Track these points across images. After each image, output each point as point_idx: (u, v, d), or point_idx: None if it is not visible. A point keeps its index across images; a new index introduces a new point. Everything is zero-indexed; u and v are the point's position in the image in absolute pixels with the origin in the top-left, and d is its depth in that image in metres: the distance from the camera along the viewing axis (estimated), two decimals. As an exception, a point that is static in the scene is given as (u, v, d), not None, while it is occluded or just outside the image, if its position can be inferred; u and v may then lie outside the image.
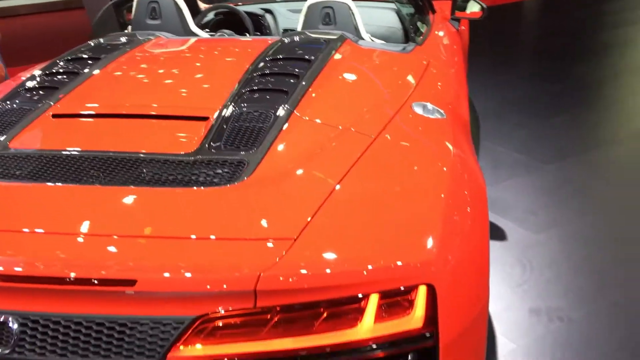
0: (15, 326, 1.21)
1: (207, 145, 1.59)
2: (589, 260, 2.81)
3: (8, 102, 1.89)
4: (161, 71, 2.12)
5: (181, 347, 1.18)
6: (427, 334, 1.23)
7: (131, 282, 1.17)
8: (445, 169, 1.55)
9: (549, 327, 2.40)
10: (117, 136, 1.68)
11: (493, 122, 4.52)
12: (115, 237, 1.27)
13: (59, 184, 1.45)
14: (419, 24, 3.21)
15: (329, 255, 1.23)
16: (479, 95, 5.08)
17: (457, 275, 1.31)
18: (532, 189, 3.52)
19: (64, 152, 1.59)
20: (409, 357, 1.24)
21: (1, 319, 1.21)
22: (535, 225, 3.12)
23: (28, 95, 1.93)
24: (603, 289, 2.61)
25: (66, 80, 2.00)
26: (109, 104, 1.86)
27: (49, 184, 1.45)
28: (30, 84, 2.00)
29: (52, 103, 1.85)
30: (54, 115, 1.80)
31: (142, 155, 1.56)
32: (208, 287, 1.17)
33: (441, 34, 2.98)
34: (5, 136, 1.70)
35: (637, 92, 5.17)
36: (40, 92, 1.93)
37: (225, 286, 1.17)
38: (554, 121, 4.53)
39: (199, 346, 1.19)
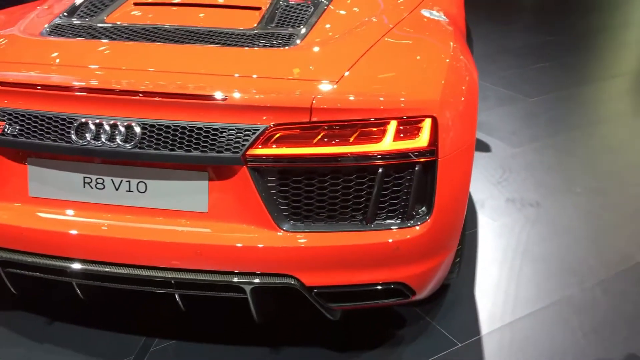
0: (138, 129, 1.69)
1: (262, 24, 2.04)
2: (559, 164, 3.37)
3: None
4: None
5: (256, 147, 1.67)
6: (430, 151, 1.73)
7: (224, 97, 1.65)
8: (451, 43, 2.03)
9: (522, 211, 2.93)
10: (190, 17, 2.13)
11: (488, 64, 4.99)
12: (210, 69, 1.77)
13: (157, 42, 1.91)
14: None
15: (363, 89, 1.73)
16: (477, 43, 5.47)
17: (453, 116, 1.80)
18: (515, 116, 4.02)
19: (152, 25, 2.04)
20: (416, 168, 1.73)
21: (129, 124, 1.69)
22: (515, 141, 3.64)
23: None
24: (568, 184, 3.16)
25: None
26: None
27: (150, 42, 1.91)
28: None
29: (131, -6, 2.30)
30: (135, 3, 2.25)
31: (212, 28, 2.00)
32: (278, 103, 1.65)
33: None
34: (101, 14, 2.14)
35: (624, 42, 5.66)
36: None
37: (290, 103, 1.65)
38: (542, 65, 5.01)
39: (269, 147, 1.67)
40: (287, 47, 1.89)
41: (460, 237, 2.00)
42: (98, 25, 2.06)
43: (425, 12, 2.38)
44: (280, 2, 2.17)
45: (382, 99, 1.71)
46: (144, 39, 1.93)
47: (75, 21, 2.10)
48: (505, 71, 4.83)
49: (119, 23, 2.08)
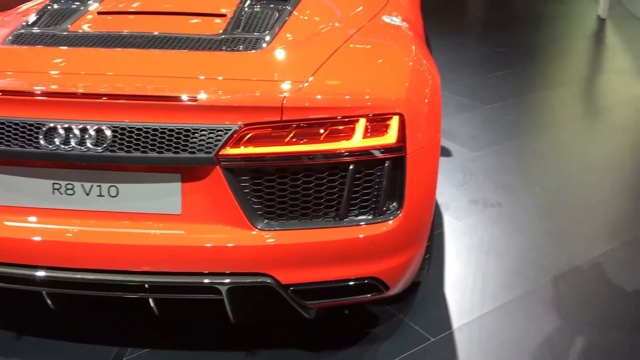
0: (109, 132, 1.68)
1: (228, 30, 2.07)
2: (516, 166, 3.49)
3: (56, 5, 2.31)
4: None
5: (228, 147, 1.69)
6: (399, 148, 1.78)
7: (194, 98, 1.67)
8: (413, 47, 2.10)
9: (485, 211, 3.01)
10: (156, 24, 2.14)
11: (445, 74, 5.11)
12: (180, 72, 1.79)
13: (124, 48, 1.91)
14: None
15: (332, 88, 1.77)
16: (435, 54, 5.68)
17: (419, 114, 1.86)
18: (474, 122, 4.15)
19: (116, 32, 2.04)
20: (386, 164, 1.78)
21: (99, 127, 1.68)
22: (475, 146, 3.75)
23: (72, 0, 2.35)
24: (527, 184, 3.28)
25: None
26: (142, 6, 2.32)
27: (116, 48, 1.91)
28: None
29: (96, 4, 2.29)
30: (99, 12, 2.25)
31: (177, 34, 2.01)
32: (250, 103, 1.68)
33: None
34: (64, 23, 2.13)
35: (571, 52, 5.92)
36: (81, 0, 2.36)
37: (262, 103, 1.68)
38: (497, 74, 5.19)
39: (241, 147, 1.69)
40: (254, 51, 1.92)
41: (429, 232, 2.06)
42: (61, 33, 2.05)
43: (386, 18, 2.46)
44: (246, 9, 2.21)
45: (350, 97, 1.76)
46: (110, 45, 1.93)
47: (38, 30, 2.08)
48: (462, 80, 4.98)
49: (82, 31, 2.07)
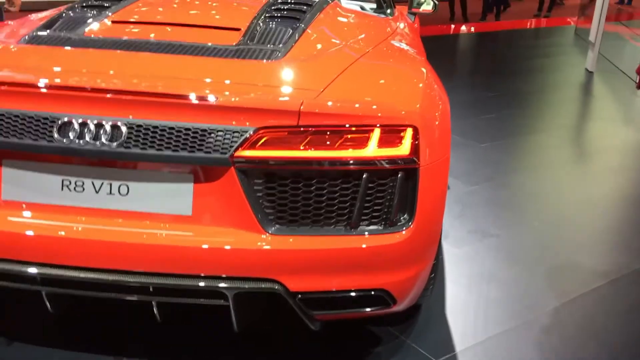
0: (124, 129, 1.67)
1: (243, 41, 2.09)
2: (511, 200, 3.52)
3: (71, 12, 2.32)
4: (193, 3, 2.63)
5: (244, 149, 1.68)
6: (412, 159, 1.78)
7: (214, 98, 1.67)
8: (423, 69, 2.14)
9: (483, 240, 3.01)
10: (170, 34, 2.16)
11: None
12: (199, 74, 1.80)
13: (142, 52, 1.92)
14: (388, 10, 3.85)
15: (349, 97, 1.78)
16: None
17: (431, 128, 1.88)
18: (469, 159, 4.20)
19: (133, 39, 2.05)
20: (399, 174, 1.78)
21: (115, 123, 1.67)
22: (470, 180, 3.79)
23: (85, 9, 2.37)
24: (524, 216, 3.31)
25: (114, 2, 2.46)
26: (157, 17, 2.35)
27: (134, 51, 1.92)
28: (83, 4, 2.44)
29: (109, 14, 2.31)
30: (114, 22, 2.27)
31: (192, 43, 2.02)
32: (268, 106, 1.68)
33: (402, 20, 3.63)
34: (79, 29, 2.14)
35: (560, 100, 6.09)
36: (94, 9, 2.38)
37: (279, 106, 1.69)
38: (488, 117, 5.29)
39: (257, 149, 1.69)
40: (271, 60, 1.94)
41: (436, 250, 2.05)
42: (77, 37, 2.06)
43: (395, 43, 2.51)
44: (260, 24, 2.24)
45: (366, 106, 1.77)
46: (128, 48, 1.94)
47: (53, 33, 2.09)
48: (456, 121, 5.05)
49: (98, 36, 2.08)
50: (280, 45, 2.07)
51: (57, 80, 1.71)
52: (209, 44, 2.03)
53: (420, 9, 4.17)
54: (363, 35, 2.46)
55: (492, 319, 2.39)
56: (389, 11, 3.51)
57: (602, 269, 2.82)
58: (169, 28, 2.24)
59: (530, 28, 11.65)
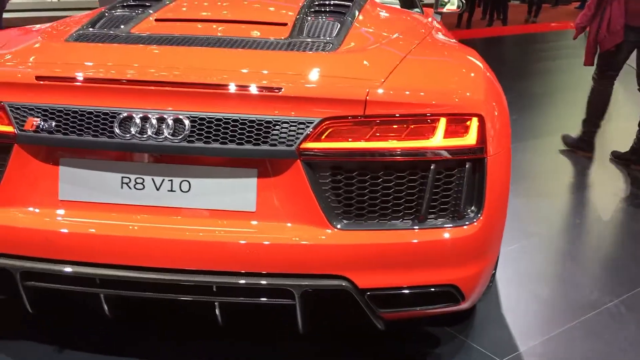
0: (187, 122, 1.62)
1: (293, 35, 2.04)
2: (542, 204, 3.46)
3: (112, 12, 2.28)
4: (234, 0, 2.59)
5: (310, 141, 1.62)
6: (480, 149, 1.73)
7: (278, 89, 1.62)
8: (478, 59, 2.08)
9: (529, 239, 2.94)
10: (217, 30, 2.11)
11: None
12: (259, 66, 1.75)
13: (196, 46, 1.86)
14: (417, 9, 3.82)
15: (415, 86, 1.73)
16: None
17: (495, 117, 1.82)
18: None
19: (182, 35, 1.99)
20: (467, 165, 1.72)
21: (177, 117, 1.61)
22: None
23: (126, 9, 2.32)
24: (567, 216, 3.23)
25: (154, 1, 2.41)
26: (200, 14, 2.31)
27: (188, 46, 1.86)
28: (123, 4, 2.39)
29: (151, 12, 2.27)
30: (157, 20, 2.22)
31: (242, 37, 1.97)
32: (334, 95, 1.63)
33: (433, 18, 3.60)
34: (125, 27, 2.09)
35: (566, 103, 6.06)
36: (136, 9, 2.33)
37: (345, 96, 1.63)
38: (513, 118, 5.25)
39: (323, 141, 1.63)
40: (328, 52, 1.89)
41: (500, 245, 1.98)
42: (125, 34, 2.01)
43: (438, 36, 2.46)
44: (307, 19, 2.19)
45: (432, 95, 1.71)
46: (179, 44, 1.89)
47: (100, 30, 2.04)
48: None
49: (148, 33, 2.03)
50: (332, 38, 2.02)
51: (116, 75, 1.66)
52: (259, 38, 1.98)
53: (445, 9, 4.14)
54: (407, 29, 2.41)
55: (550, 317, 2.31)
56: (418, 10, 3.47)
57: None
58: (214, 25, 2.19)
59: (537, 32, 11.67)
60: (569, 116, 5.47)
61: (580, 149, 4.40)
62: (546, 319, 2.31)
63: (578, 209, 3.44)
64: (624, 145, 4.19)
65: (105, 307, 1.75)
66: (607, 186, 3.78)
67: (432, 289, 1.75)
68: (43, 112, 1.65)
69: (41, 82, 1.65)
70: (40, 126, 1.64)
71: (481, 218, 1.73)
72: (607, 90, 4.27)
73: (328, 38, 2.01)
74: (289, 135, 1.62)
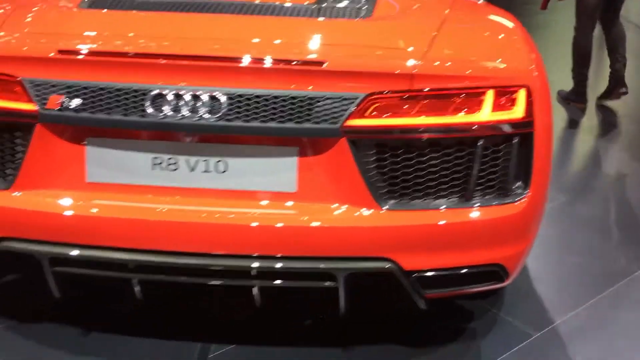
0: (224, 99, 1.51)
1: (323, 1, 1.91)
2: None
3: None
4: None
5: (355, 118, 1.53)
6: (528, 123, 1.64)
7: (320, 63, 1.51)
8: (518, 26, 1.97)
9: (555, 209, 2.88)
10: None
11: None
12: (296, 37, 1.65)
13: (224, 13, 1.74)
14: None
15: (459, 57, 1.64)
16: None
17: (540, 88, 1.73)
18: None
19: (205, 1, 1.85)
20: (514, 140, 1.64)
21: (214, 94, 1.51)
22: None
23: None
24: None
25: None
26: None
27: (216, 13, 1.75)
28: None
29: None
30: None
31: (271, 3, 1.83)
32: (379, 69, 1.53)
33: None
34: None
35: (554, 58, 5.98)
36: None
37: (391, 69, 1.54)
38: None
39: (368, 117, 1.54)
40: (362, 19, 1.78)
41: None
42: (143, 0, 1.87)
43: (466, 3, 2.34)
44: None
45: (478, 66, 1.63)
46: (202, 10, 1.76)
47: None
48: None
49: None
50: (362, 3, 1.90)
51: (146, 49, 1.55)
52: (287, 3, 1.86)
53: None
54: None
55: (583, 288, 2.29)
56: None
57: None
58: None
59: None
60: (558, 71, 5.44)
61: (573, 100, 4.38)
62: (576, 290, 2.29)
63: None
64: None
65: (138, 293, 1.68)
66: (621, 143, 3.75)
67: (479, 269, 1.69)
68: (68, 89, 1.54)
69: (65, 57, 1.54)
70: (65, 104, 1.53)
71: (529, 194, 1.67)
72: (588, 40, 4.24)
73: (359, 3, 1.89)
74: (332, 113, 1.52)
